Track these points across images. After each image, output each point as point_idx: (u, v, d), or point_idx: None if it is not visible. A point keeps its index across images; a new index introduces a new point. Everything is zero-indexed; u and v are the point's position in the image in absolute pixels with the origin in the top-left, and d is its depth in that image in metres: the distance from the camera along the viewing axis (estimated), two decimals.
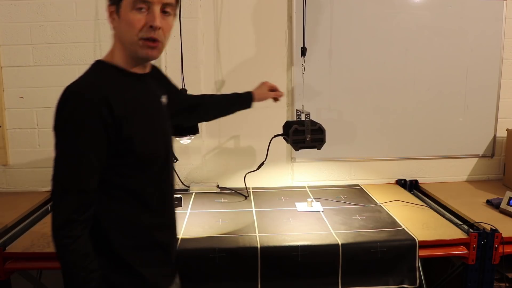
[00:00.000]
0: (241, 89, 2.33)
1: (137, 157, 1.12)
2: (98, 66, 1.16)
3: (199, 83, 2.28)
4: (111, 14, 1.12)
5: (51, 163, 1.85)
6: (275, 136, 1.95)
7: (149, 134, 1.16)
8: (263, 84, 1.75)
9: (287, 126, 1.88)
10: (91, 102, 1.04)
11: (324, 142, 1.85)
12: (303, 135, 1.82)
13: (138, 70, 1.18)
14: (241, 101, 1.68)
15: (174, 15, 1.16)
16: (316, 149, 1.85)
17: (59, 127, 1.06)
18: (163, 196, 1.23)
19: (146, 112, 1.17)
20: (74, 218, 1.06)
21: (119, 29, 1.11)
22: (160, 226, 1.23)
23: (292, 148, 1.88)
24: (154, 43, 1.10)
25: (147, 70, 1.23)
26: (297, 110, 2.09)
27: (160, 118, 1.24)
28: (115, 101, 1.07)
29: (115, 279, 1.16)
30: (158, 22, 1.08)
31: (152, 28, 1.08)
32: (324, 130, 1.84)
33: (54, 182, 1.07)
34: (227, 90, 2.31)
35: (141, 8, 1.07)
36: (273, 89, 1.77)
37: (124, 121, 1.08)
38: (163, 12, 1.10)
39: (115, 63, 1.15)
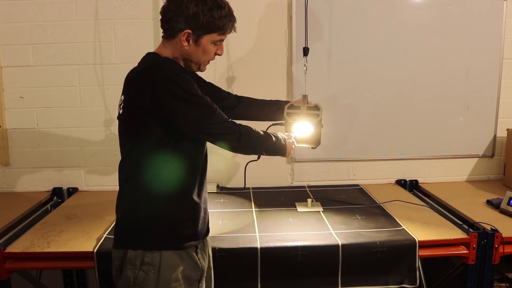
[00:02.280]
0: (241, 88, 2.34)
1: None
2: (155, 55, 1.36)
3: None
4: (187, 37, 1.32)
5: (51, 163, 1.86)
6: (272, 124, 1.88)
7: (204, 95, 1.36)
8: (302, 97, 1.86)
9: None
10: (175, 62, 1.33)
11: (320, 117, 1.68)
12: (299, 109, 1.70)
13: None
14: (278, 106, 1.77)
15: None
16: (312, 128, 1.69)
17: (168, 87, 1.24)
18: (202, 168, 1.42)
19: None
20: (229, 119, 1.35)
21: (191, 50, 1.34)
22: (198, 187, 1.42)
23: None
24: None
25: None
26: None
27: None
28: None
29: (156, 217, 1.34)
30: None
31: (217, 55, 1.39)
32: (321, 107, 1.70)
33: (199, 119, 1.28)
34: (228, 89, 2.32)
35: (217, 44, 1.36)
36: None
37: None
38: None
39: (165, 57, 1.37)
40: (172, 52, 1.36)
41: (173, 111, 1.27)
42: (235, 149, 1.39)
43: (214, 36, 1.33)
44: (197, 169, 1.39)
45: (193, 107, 1.28)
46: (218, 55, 1.39)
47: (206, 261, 1.48)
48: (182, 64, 1.39)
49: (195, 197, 1.38)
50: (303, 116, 1.69)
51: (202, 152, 1.41)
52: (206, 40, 1.32)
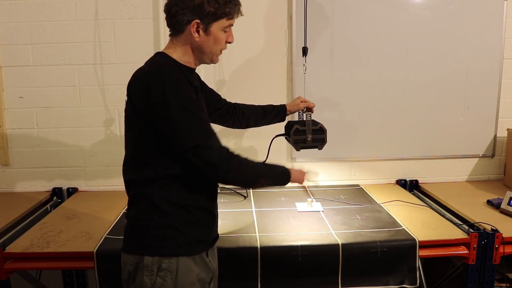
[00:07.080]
0: (241, 88, 2.34)
1: None
2: (162, 55, 1.33)
3: None
4: (197, 28, 1.30)
5: (51, 163, 1.82)
6: (276, 136, 1.94)
7: (204, 115, 1.34)
8: (297, 98, 1.90)
9: (289, 126, 1.88)
10: (179, 72, 1.26)
11: (325, 142, 1.85)
12: (304, 135, 1.82)
13: (192, 66, 1.38)
14: (275, 112, 1.83)
15: None
16: (317, 149, 1.85)
17: (164, 96, 1.20)
18: None
19: (200, 97, 1.36)
20: (224, 146, 1.28)
21: (202, 41, 1.32)
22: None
23: (293, 148, 1.88)
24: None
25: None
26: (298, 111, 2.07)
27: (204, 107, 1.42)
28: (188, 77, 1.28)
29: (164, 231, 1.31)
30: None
31: (228, 43, 1.38)
32: (325, 130, 1.84)
33: (189, 138, 1.22)
34: (228, 90, 2.32)
35: (226, 30, 1.35)
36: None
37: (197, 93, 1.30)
38: None
39: (174, 58, 1.33)
40: (182, 49, 1.33)
41: (165, 122, 1.22)
42: (223, 181, 1.34)
43: (223, 22, 1.31)
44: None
45: (187, 123, 1.22)
46: (229, 43, 1.37)
47: (216, 263, 1.49)
48: (193, 59, 1.35)
49: (208, 204, 1.38)
50: (310, 143, 1.82)
51: None
52: (216, 27, 1.31)
